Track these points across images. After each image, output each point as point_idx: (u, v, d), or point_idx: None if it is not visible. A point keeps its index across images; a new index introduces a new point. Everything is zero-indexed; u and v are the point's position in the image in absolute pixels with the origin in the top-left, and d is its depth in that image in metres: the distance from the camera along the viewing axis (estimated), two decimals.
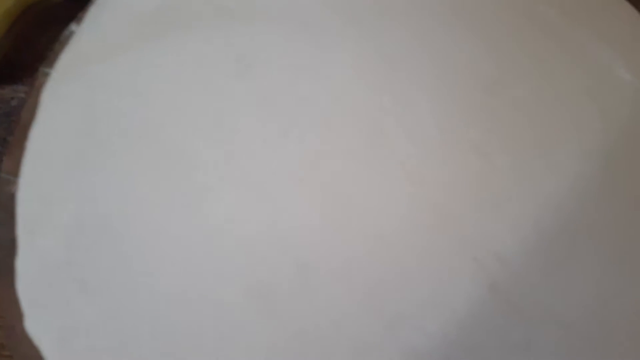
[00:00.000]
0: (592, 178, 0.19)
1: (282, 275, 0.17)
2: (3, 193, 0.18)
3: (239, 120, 0.18)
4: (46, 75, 0.19)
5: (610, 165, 0.19)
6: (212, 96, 0.18)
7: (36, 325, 0.16)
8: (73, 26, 0.20)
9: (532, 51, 0.21)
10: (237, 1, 0.20)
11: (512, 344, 0.18)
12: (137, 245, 0.17)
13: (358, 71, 0.20)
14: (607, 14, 0.21)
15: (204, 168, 0.18)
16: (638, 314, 0.18)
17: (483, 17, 0.21)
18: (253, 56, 0.19)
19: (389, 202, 0.18)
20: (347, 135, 0.19)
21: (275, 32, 0.19)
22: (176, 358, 0.16)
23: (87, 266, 0.17)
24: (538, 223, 0.19)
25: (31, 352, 0.16)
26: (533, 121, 0.20)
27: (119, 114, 0.18)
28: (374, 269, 0.18)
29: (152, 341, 0.16)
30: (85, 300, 0.16)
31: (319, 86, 0.19)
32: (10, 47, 0.22)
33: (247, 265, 0.17)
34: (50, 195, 0.18)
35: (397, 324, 0.17)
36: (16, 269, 0.17)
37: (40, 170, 0.18)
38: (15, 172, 0.19)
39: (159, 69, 0.19)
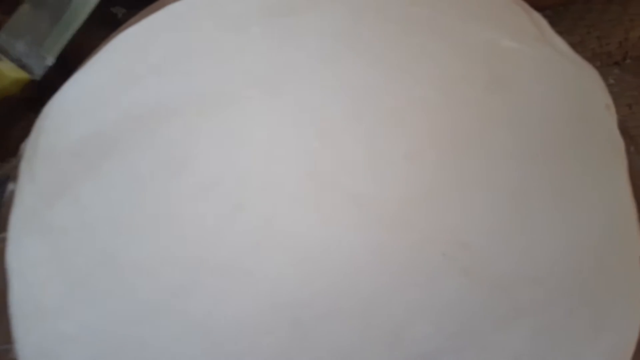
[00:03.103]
0: (515, 141, 0.21)
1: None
2: None
3: (187, 213, 0.20)
4: (3, 240, 0.20)
5: (526, 125, 0.21)
6: (158, 203, 0.20)
7: None
8: (11, 185, 0.21)
9: (420, 51, 0.22)
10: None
11: (502, 316, 0.19)
12: None
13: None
14: (472, 2, 0.23)
15: (179, 272, 0.19)
16: (592, 251, 0.20)
17: (360, 33, 0.23)
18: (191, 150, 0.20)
19: (339, 231, 0.20)
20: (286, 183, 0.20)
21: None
22: None
23: None
24: (488, 201, 0.20)
25: None
26: (447, 114, 0.21)
27: (85, 250, 0.20)
28: (358, 296, 0.19)
29: None
30: None
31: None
32: None
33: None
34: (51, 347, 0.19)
35: (397, 338, 0.19)
36: None
37: (34, 330, 0.19)
38: (7, 339, 0.19)
39: (101, 197, 0.20)
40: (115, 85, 0.21)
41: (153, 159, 0.20)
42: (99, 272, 0.19)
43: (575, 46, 0.28)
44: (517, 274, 0.20)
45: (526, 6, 0.25)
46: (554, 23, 0.25)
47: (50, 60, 0.29)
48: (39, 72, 0.29)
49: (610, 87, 0.25)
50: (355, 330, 0.19)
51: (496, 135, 0.21)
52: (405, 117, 0.22)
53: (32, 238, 0.20)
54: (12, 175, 0.22)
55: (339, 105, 0.22)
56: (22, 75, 0.29)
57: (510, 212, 0.21)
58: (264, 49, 0.22)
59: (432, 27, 0.23)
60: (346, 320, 0.19)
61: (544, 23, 0.24)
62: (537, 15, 0.24)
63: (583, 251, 0.20)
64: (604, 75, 0.25)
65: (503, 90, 0.22)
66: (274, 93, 0.21)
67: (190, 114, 0.21)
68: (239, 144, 0.20)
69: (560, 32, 0.26)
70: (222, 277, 0.19)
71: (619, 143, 0.21)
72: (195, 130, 0.20)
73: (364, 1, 0.24)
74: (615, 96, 0.25)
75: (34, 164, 0.21)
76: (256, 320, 0.19)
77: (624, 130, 0.23)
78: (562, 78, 0.22)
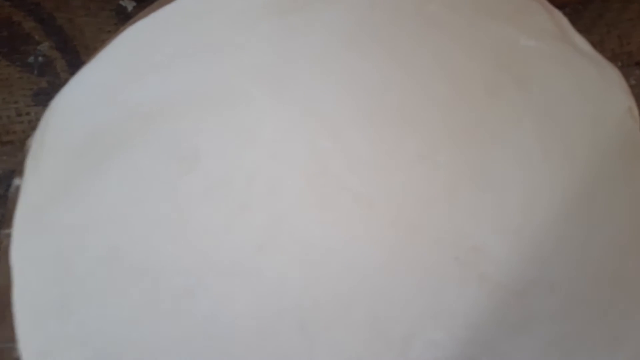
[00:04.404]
0: (532, 142, 0.21)
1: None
2: None
3: (192, 212, 0.19)
4: (8, 236, 0.20)
5: (543, 126, 0.21)
6: (164, 202, 0.19)
7: None
8: (17, 181, 0.21)
9: (434, 49, 0.22)
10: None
11: (515, 323, 0.19)
12: None
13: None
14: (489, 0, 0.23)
15: (184, 273, 0.19)
16: (609, 260, 0.19)
17: (373, 29, 0.22)
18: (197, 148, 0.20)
19: (348, 234, 0.19)
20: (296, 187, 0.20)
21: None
22: None
23: None
24: (498, 206, 0.20)
25: None
26: (462, 114, 0.21)
27: (89, 248, 0.19)
28: (366, 302, 0.19)
29: None
30: None
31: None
32: None
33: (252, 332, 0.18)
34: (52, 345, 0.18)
35: (407, 346, 0.18)
36: None
37: (37, 329, 0.18)
38: (12, 337, 0.19)
39: (107, 195, 0.19)
40: (122, 82, 0.20)
41: (159, 157, 0.20)
42: (102, 272, 0.19)
43: (595, 45, 0.26)
44: (532, 280, 0.19)
45: (546, 3, 0.24)
46: (572, 21, 0.25)
47: None
48: None
49: (631, 89, 0.24)
50: (363, 336, 0.19)
51: (512, 136, 0.21)
52: (418, 116, 0.21)
53: (36, 236, 0.19)
54: (17, 170, 0.21)
55: (349, 103, 0.21)
56: None
57: (526, 215, 0.20)
58: (272, 45, 0.21)
59: (447, 25, 0.22)
60: (354, 326, 0.19)
61: (564, 21, 0.23)
62: (557, 13, 0.24)
63: (601, 259, 0.19)
64: (625, 76, 0.24)
65: (521, 90, 0.21)
66: (282, 91, 0.21)
67: (197, 112, 0.20)
68: (246, 143, 0.20)
69: (579, 32, 0.25)
70: (227, 279, 0.19)
71: None
72: (202, 129, 0.20)
73: None
74: (637, 97, 0.24)
75: (39, 159, 0.20)
76: (261, 323, 0.19)
77: None
78: (583, 78, 0.21)
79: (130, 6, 0.29)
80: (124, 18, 0.28)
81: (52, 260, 0.19)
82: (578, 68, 0.21)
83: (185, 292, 0.18)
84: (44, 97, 0.28)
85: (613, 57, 0.30)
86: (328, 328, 0.19)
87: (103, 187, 0.20)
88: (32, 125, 0.28)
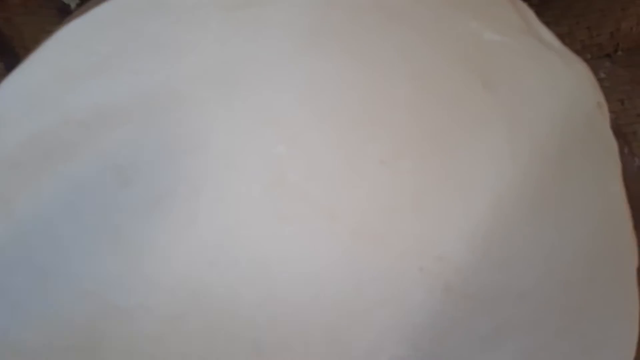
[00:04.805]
0: (499, 144, 0.20)
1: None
2: None
3: (134, 227, 0.18)
4: None
5: (511, 127, 0.20)
6: (102, 217, 0.18)
7: None
8: None
9: (396, 45, 0.20)
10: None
11: (484, 335, 0.18)
12: None
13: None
14: None
15: (127, 293, 0.17)
16: (578, 265, 0.18)
17: (331, 25, 0.21)
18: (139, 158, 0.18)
19: (307, 246, 0.18)
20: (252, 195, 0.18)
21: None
22: None
23: None
24: (464, 213, 0.19)
25: None
26: (426, 115, 0.20)
27: (21, 268, 0.18)
28: (325, 317, 0.18)
29: None
30: None
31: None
32: None
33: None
34: None
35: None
36: None
37: None
38: None
39: (39, 209, 0.18)
40: (55, 86, 0.19)
41: (96, 168, 0.18)
42: (36, 293, 0.17)
43: (564, 37, 0.26)
44: (500, 289, 0.18)
45: None
46: (541, 13, 0.24)
47: None
48: None
49: (601, 82, 0.23)
50: (323, 355, 0.17)
51: (478, 137, 0.20)
52: (380, 118, 0.20)
53: None
54: None
55: (307, 106, 0.20)
56: None
57: (492, 221, 0.19)
58: (222, 44, 0.20)
59: (409, 18, 0.21)
60: (313, 344, 0.17)
61: (530, 13, 0.22)
62: (522, 5, 0.23)
63: (573, 263, 0.19)
64: (595, 69, 0.23)
65: (485, 88, 0.20)
66: (233, 93, 0.19)
67: (138, 117, 0.19)
68: (193, 151, 0.18)
69: (547, 23, 0.24)
70: (173, 298, 0.17)
71: (612, 145, 0.20)
72: (144, 136, 0.18)
73: None
74: (607, 91, 0.23)
75: None
76: (212, 345, 0.17)
77: (617, 130, 0.21)
78: (550, 74, 0.20)
79: (73, 3, 0.27)
80: (67, 16, 0.26)
81: None
82: (545, 63, 0.20)
83: (129, 314, 0.17)
84: None
85: (582, 49, 0.29)
86: (284, 348, 0.17)
87: (35, 202, 0.18)
88: None
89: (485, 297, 0.18)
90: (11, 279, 0.17)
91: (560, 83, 0.20)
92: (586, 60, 0.23)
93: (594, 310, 0.18)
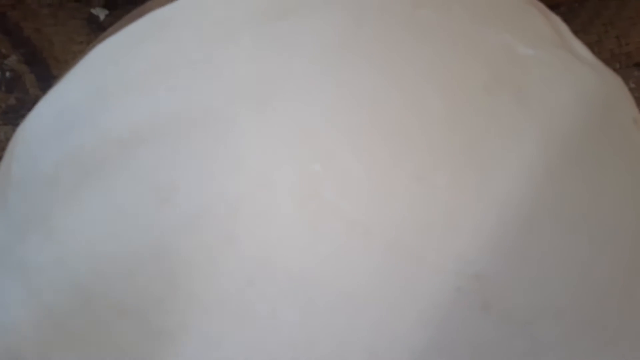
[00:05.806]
0: (534, 160, 0.19)
1: None
2: None
3: (173, 246, 0.18)
4: None
5: (546, 143, 0.19)
6: (141, 236, 0.18)
7: None
8: None
9: (429, 60, 0.20)
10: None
11: (521, 355, 0.18)
12: None
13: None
14: (483, 3, 0.21)
15: (167, 313, 0.17)
16: (615, 280, 0.18)
17: (362, 40, 0.21)
18: (175, 177, 0.18)
19: (347, 263, 0.18)
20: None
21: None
22: None
23: None
24: (499, 227, 0.19)
25: None
26: (460, 131, 0.20)
27: (64, 288, 0.18)
28: (364, 337, 0.18)
29: None
30: None
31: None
32: None
33: None
34: None
35: None
36: None
37: None
38: None
39: (79, 228, 0.18)
40: (92, 104, 0.19)
41: (134, 186, 0.18)
42: (78, 314, 0.17)
43: (592, 46, 0.26)
44: (537, 306, 0.18)
45: (541, 6, 0.23)
46: (569, 21, 0.23)
47: None
48: None
49: (631, 92, 0.23)
50: None
51: (513, 152, 0.19)
52: (414, 133, 0.20)
53: (4, 277, 0.18)
54: None
55: (341, 122, 0.19)
56: None
57: (527, 237, 0.19)
58: (255, 59, 0.20)
59: (440, 32, 0.21)
60: None
61: (563, 26, 0.22)
62: (554, 17, 0.22)
63: (610, 281, 0.19)
64: (624, 79, 0.23)
65: (521, 104, 0.20)
66: (267, 109, 0.19)
67: (174, 135, 0.19)
68: (229, 169, 0.18)
69: (575, 31, 0.24)
70: (214, 317, 0.17)
71: None
72: (180, 155, 0.18)
73: (364, 3, 0.22)
74: (637, 101, 0.23)
75: (6, 193, 0.19)
76: None
77: None
78: (585, 89, 0.20)
79: (102, 15, 0.27)
80: (95, 28, 0.26)
81: (24, 304, 0.18)
82: (579, 78, 0.20)
83: (167, 337, 0.17)
84: (13, 115, 0.26)
85: (612, 58, 0.29)
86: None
87: (74, 221, 0.18)
88: (2, 146, 0.26)
89: (522, 315, 0.18)
90: (56, 298, 0.17)
91: (595, 98, 0.20)
92: (615, 70, 0.23)
93: (633, 327, 0.18)
